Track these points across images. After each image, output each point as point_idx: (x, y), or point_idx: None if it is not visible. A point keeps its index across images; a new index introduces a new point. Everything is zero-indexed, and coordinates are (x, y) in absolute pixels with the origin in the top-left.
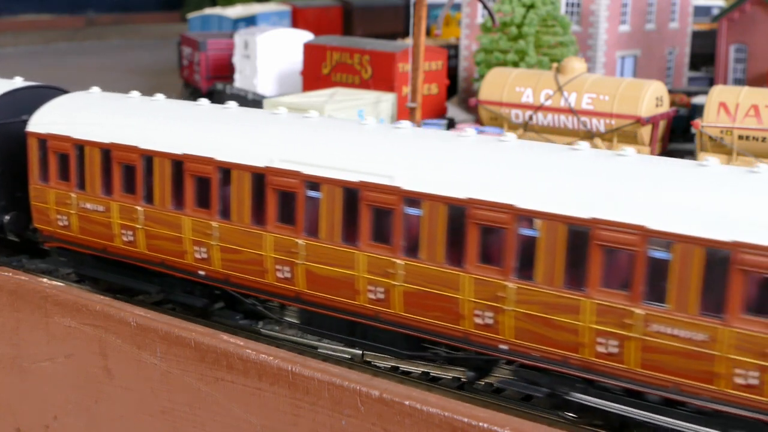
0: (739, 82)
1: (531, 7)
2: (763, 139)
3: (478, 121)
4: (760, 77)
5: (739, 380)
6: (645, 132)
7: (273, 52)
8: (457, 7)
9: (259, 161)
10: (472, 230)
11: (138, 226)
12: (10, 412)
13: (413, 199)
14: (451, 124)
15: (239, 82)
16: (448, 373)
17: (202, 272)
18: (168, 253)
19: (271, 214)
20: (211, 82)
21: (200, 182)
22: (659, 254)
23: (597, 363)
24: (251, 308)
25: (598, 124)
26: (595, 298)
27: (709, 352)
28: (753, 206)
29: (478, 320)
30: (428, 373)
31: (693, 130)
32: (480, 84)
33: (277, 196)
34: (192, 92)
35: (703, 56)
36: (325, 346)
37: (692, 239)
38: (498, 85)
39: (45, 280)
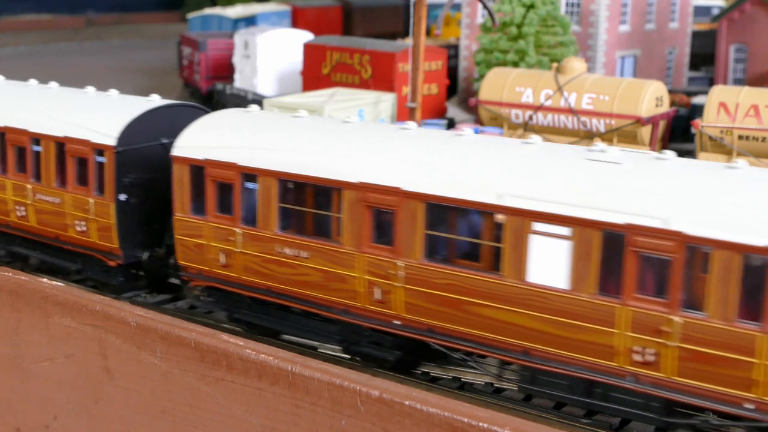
0: (739, 82)
1: (531, 7)
2: (763, 139)
3: (478, 121)
4: (760, 77)
5: (77, 228)
6: (645, 132)
7: (273, 52)
8: (457, 7)
9: None
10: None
11: None
12: (10, 412)
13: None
14: (451, 124)
15: (239, 82)
16: (448, 373)
17: None
18: None
19: None
20: (211, 82)
21: None
22: (38, 148)
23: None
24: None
25: (598, 124)
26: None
27: (62, 210)
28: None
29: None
30: (428, 372)
31: (693, 130)
32: (480, 84)
33: None
34: (192, 92)
35: (703, 56)
36: (325, 347)
37: (48, 138)
38: (498, 85)
39: (45, 280)
